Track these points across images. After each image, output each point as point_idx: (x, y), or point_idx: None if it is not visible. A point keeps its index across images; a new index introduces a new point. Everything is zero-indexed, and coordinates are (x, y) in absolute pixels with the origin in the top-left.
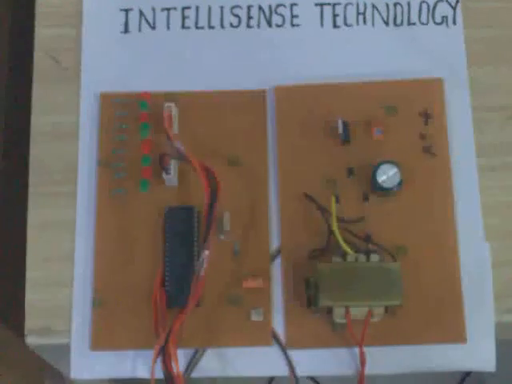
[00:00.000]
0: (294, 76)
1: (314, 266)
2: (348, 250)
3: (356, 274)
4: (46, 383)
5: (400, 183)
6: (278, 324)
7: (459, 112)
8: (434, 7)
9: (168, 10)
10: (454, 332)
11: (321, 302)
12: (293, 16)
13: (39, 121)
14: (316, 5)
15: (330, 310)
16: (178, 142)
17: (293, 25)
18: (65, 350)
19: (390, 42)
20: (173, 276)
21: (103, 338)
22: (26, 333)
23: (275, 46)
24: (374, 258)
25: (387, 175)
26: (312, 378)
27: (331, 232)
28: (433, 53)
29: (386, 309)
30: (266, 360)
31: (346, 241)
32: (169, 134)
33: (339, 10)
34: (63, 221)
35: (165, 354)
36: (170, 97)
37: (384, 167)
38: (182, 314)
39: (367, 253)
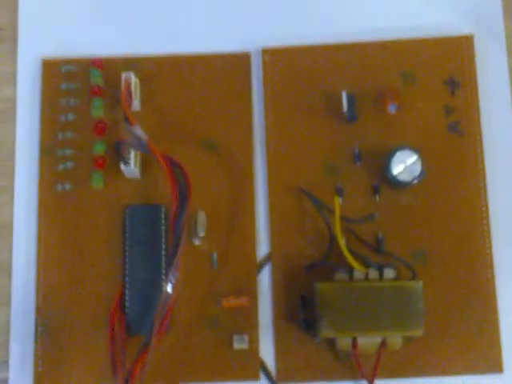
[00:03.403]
0: (284, 35)
1: (313, 284)
2: (355, 264)
3: (366, 296)
4: None
5: (421, 175)
6: (267, 353)
7: (494, 78)
8: None
9: None
10: (489, 360)
11: (321, 332)
12: None
13: None
14: None
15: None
16: (137, 128)
17: None
18: None
19: None
20: (135, 295)
21: (49, 374)
22: None
23: None
24: (389, 273)
25: (405, 165)
26: None
27: (333, 237)
28: (460, 3)
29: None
30: None
31: (351, 251)
32: (127, 114)
33: None
34: None
35: None
36: (129, 63)
37: (400, 155)
38: (144, 353)
39: (380, 267)
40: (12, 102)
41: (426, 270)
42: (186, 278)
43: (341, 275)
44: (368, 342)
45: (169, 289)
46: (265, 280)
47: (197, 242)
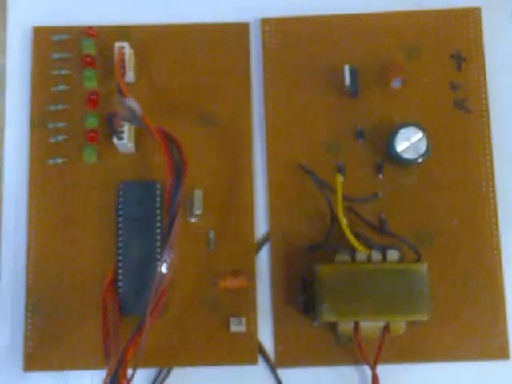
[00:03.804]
0: (284, 5)
1: (313, 266)
2: (358, 245)
3: (368, 279)
4: None
5: (426, 153)
6: (266, 336)
7: (502, 53)
8: None
9: None
10: (495, 347)
11: (322, 316)
12: None
13: None
14: None
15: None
16: (131, 100)
17: None
18: None
19: None
20: (128, 274)
21: (39, 356)
22: None
23: None
24: (393, 255)
25: (409, 142)
26: None
27: (334, 216)
28: None
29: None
30: (249, 382)
31: (354, 231)
32: (120, 85)
33: None
34: None
35: None
36: (123, 33)
37: (405, 131)
38: (138, 335)
39: (383, 249)
40: (1, 72)
41: (431, 252)
42: (182, 258)
43: (342, 257)
44: (370, 326)
45: (163, 268)
46: (263, 260)
47: (193, 220)
